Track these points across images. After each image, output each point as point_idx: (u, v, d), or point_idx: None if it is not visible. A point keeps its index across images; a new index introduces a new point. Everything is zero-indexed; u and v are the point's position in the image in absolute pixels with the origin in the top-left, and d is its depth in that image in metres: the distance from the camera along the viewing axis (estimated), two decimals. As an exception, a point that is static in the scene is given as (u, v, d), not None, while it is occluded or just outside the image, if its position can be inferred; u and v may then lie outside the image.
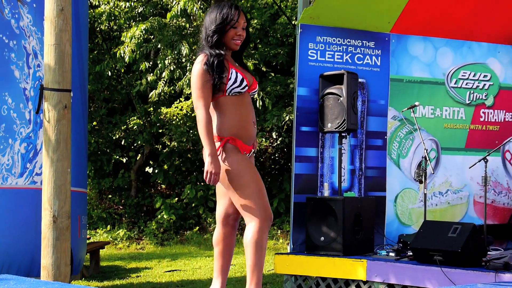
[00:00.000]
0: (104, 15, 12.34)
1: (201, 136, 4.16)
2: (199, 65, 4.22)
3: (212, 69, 4.17)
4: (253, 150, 4.34)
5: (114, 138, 13.20)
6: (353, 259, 6.74)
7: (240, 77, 4.21)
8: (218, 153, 4.16)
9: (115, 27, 13.26)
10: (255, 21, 12.65)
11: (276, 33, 12.70)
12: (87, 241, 8.36)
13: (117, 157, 13.39)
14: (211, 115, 4.23)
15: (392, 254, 7.02)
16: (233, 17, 4.23)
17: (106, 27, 13.24)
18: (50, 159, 4.97)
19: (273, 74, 12.42)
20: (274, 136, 12.73)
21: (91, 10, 12.37)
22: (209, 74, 4.17)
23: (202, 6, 11.61)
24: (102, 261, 9.62)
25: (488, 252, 6.81)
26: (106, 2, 12.54)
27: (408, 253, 6.82)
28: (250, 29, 12.89)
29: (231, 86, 4.19)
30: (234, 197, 4.23)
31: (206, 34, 4.37)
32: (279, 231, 12.04)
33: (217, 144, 4.19)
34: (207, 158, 4.11)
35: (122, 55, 11.31)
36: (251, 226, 4.21)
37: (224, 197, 4.45)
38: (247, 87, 4.24)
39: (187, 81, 11.43)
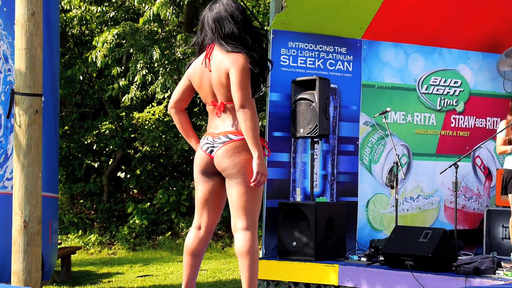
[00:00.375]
0: (75, 19, 12.26)
1: (253, 138, 4.04)
2: (247, 64, 4.07)
3: (254, 71, 4.10)
4: None
5: (86, 142, 13.11)
6: (325, 264, 6.77)
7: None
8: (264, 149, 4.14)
9: (86, 32, 13.19)
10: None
11: (249, 38, 12.68)
12: (58, 246, 8.28)
13: (89, 162, 13.29)
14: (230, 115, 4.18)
15: (363, 259, 7.06)
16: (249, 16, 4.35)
17: (78, 31, 13.15)
18: (21, 164, 4.91)
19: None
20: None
21: (63, 14, 12.28)
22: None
23: (174, 11, 11.57)
24: (74, 266, 9.54)
25: (459, 257, 6.88)
26: (77, 7, 12.45)
27: (380, 258, 6.87)
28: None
29: (262, 89, 4.21)
30: (243, 198, 4.14)
31: (251, 31, 4.19)
32: (251, 236, 12.06)
33: (242, 142, 4.13)
34: (257, 160, 4.02)
35: (94, 60, 11.24)
36: (247, 234, 4.20)
37: (217, 209, 4.39)
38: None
39: (160, 86, 11.38)
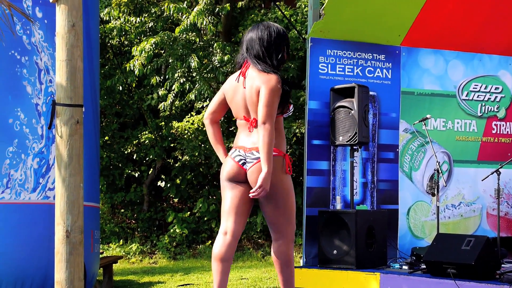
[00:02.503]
0: (115, 30, 12.37)
1: (266, 154, 4.27)
2: (278, 85, 4.35)
3: (283, 92, 4.39)
4: None
5: (126, 152, 13.20)
6: (366, 272, 6.74)
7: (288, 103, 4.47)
8: (286, 166, 4.42)
9: (126, 42, 13.30)
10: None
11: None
12: (100, 256, 8.35)
13: (129, 171, 13.38)
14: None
15: (405, 267, 7.01)
16: (287, 42, 4.53)
17: (117, 42, 13.28)
18: (62, 175, 4.97)
19: (284, 88, 12.41)
20: (285, 149, 12.69)
21: (102, 26, 12.43)
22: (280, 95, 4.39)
23: (212, 20, 11.64)
24: (115, 276, 9.60)
25: (502, 265, 6.79)
26: (117, 18, 12.58)
27: (422, 266, 6.80)
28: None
29: (290, 110, 4.48)
30: (279, 211, 4.45)
31: (273, 55, 4.48)
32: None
33: (279, 158, 4.40)
34: (264, 175, 4.25)
35: (132, 69, 11.34)
36: (285, 243, 4.51)
37: (244, 215, 4.55)
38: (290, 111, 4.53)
39: (196, 93, 11.44)
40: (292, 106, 4.50)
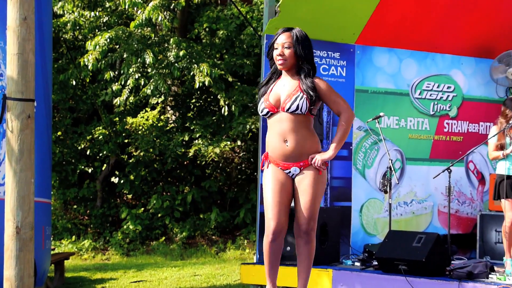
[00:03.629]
0: (68, 24, 12.20)
1: None
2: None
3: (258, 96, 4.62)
4: (294, 168, 4.43)
5: (79, 148, 13.04)
6: (319, 269, 6.74)
7: (261, 103, 4.48)
8: (261, 164, 4.60)
9: (80, 37, 13.13)
10: (221, 32, 12.62)
11: (243, 44, 12.69)
12: (52, 252, 8.23)
13: (83, 167, 13.21)
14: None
15: (357, 263, 7.05)
16: (274, 40, 4.49)
17: (71, 36, 13.10)
18: (13, 170, 4.89)
19: (239, 84, 12.44)
20: (239, 143, 12.71)
21: (55, 19, 12.24)
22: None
23: (168, 16, 11.56)
24: (67, 272, 9.48)
25: (452, 262, 6.89)
26: (70, 11, 12.40)
27: (374, 262, 6.86)
28: (216, 40, 12.83)
29: (259, 112, 4.52)
30: None
31: None
32: (245, 241, 12.01)
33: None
34: None
35: (86, 64, 11.19)
36: None
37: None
38: (266, 111, 4.45)
39: (151, 88, 11.36)
40: (284, 102, 4.43)
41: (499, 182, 6.85)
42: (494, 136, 6.93)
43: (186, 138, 12.52)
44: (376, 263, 6.71)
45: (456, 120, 8.49)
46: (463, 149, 8.13)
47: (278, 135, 4.40)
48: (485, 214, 8.11)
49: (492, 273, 6.28)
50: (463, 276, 6.13)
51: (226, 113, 11.71)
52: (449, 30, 8.20)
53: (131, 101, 12.66)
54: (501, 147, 6.87)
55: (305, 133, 4.41)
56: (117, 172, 13.11)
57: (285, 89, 4.44)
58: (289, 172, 4.44)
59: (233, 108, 11.73)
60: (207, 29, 13.01)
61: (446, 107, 8.46)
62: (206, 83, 11.14)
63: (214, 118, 12.82)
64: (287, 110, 4.37)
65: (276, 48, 4.45)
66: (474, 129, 8.58)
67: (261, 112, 4.46)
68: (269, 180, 4.44)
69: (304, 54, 4.44)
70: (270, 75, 4.57)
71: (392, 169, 7.17)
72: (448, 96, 8.47)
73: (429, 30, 8.15)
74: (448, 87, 8.46)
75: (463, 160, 8.31)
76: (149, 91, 11.30)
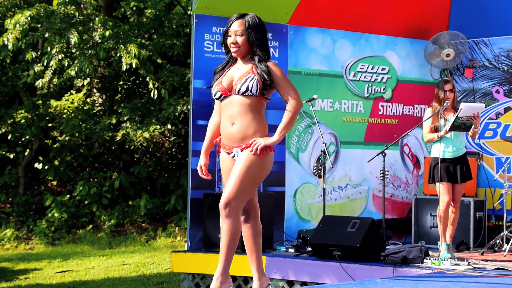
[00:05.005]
0: (-15, 1, 11.73)
1: None
2: None
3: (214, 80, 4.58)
4: (235, 150, 4.42)
5: (0, 132, 12.60)
6: (252, 256, 6.58)
7: (214, 88, 4.50)
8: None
9: (-2, 15, 12.65)
10: (149, 11, 12.34)
11: (172, 24, 12.45)
12: (-30, 243, 7.87)
13: (4, 153, 12.76)
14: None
15: (291, 250, 6.97)
16: (227, 27, 4.49)
17: (-12, 14, 12.60)
18: None
19: (169, 65, 12.18)
20: (169, 127, 12.49)
21: (-28, -3, 11.73)
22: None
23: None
24: (-13, 264, 9.14)
25: (387, 247, 6.87)
26: (-14, -12, 11.93)
27: (308, 248, 6.78)
28: (144, 19, 12.51)
29: (213, 96, 4.52)
30: None
31: None
32: (176, 229, 11.82)
33: None
34: None
35: (6, 43, 10.72)
36: None
37: None
38: (218, 94, 4.46)
39: (76, 70, 10.98)
40: (236, 84, 4.42)
41: (434, 165, 6.80)
42: (428, 118, 6.87)
43: (114, 121, 12.20)
44: (310, 249, 6.63)
45: (390, 103, 8.43)
46: (398, 132, 8.07)
47: (227, 118, 4.43)
48: (420, 198, 8.09)
49: (427, 257, 6.27)
50: (398, 261, 6.11)
51: (155, 96, 11.44)
52: (383, 10, 8.13)
53: (54, 83, 12.26)
54: (436, 129, 6.81)
55: (254, 116, 4.40)
56: (40, 158, 12.71)
57: (238, 72, 4.46)
58: (232, 155, 4.46)
59: (162, 91, 11.47)
60: (134, 8, 12.68)
61: (380, 89, 8.38)
62: (134, 65, 10.84)
63: (143, 100, 12.54)
64: (238, 91, 4.38)
65: (230, 36, 4.46)
66: (409, 111, 8.54)
67: (214, 96, 4.49)
68: (222, 168, 4.55)
69: (257, 40, 4.45)
70: (226, 61, 4.59)
71: (326, 153, 7.04)
72: (383, 78, 8.39)
73: (362, 11, 8.06)
74: (383, 69, 8.38)
75: (398, 143, 8.26)
76: (73, 73, 10.94)
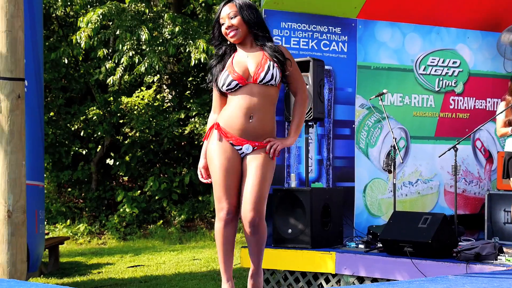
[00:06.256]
0: (59, 0, 11.97)
1: None
2: None
3: (211, 75, 4.20)
4: (246, 146, 4.01)
5: (72, 129, 12.85)
6: (322, 252, 6.59)
7: (225, 76, 4.05)
8: (206, 135, 4.17)
9: (71, 13, 12.90)
10: (218, 6, 12.39)
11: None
12: (46, 237, 8.07)
13: (76, 148, 13.03)
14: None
15: (361, 246, 6.92)
16: (216, 17, 4.16)
17: (62, 13, 12.84)
18: (3, 151, 4.92)
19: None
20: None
21: (46, -5, 12.01)
22: (210, 81, 4.22)
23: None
24: (62, 257, 9.34)
25: (459, 243, 6.76)
26: (62, -13, 12.18)
27: (378, 244, 6.72)
28: (213, 15, 12.58)
29: (221, 87, 4.09)
30: None
31: None
32: (245, 223, 11.87)
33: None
34: None
35: (79, 42, 10.94)
36: None
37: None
38: (234, 84, 4.01)
39: (146, 66, 11.11)
40: (255, 73, 3.99)
41: (508, 159, 6.66)
42: (502, 112, 6.73)
43: (182, 116, 12.33)
44: (381, 245, 6.56)
45: (462, 97, 8.29)
46: (470, 126, 7.91)
47: (244, 109, 3.98)
48: (493, 193, 7.92)
49: (501, 254, 6.15)
50: (471, 257, 6.00)
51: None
52: (454, 2, 7.98)
53: (125, 80, 12.46)
54: (510, 123, 6.68)
55: (272, 111, 4.08)
56: (112, 154, 12.94)
57: (251, 59, 4.05)
58: (240, 149, 4.03)
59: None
60: (203, 4, 12.77)
61: (451, 83, 8.25)
62: (202, 59, 10.92)
63: (211, 96, 12.63)
64: (261, 80, 3.99)
65: (223, 23, 4.09)
66: (481, 105, 8.38)
67: (228, 85, 4.02)
68: (218, 156, 4.02)
69: (254, 18, 4.07)
70: (221, 54, 4.16)
71: (396, 148, 6.97)
72: (454, 71, 8.25)
73: (433, 3, 7.93)
74: (454, 62, 8.24)
75: (470, 138, 8.11)
76: (143, 69, 11.07)
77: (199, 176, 4.21)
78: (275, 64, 4.00)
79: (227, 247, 4.08)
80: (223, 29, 4.09)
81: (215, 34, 4.18)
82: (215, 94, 4.19)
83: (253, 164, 4.00)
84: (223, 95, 4.14)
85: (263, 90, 4.00)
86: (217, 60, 4.16)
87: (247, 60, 4.05)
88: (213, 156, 4.05)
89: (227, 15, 4.06)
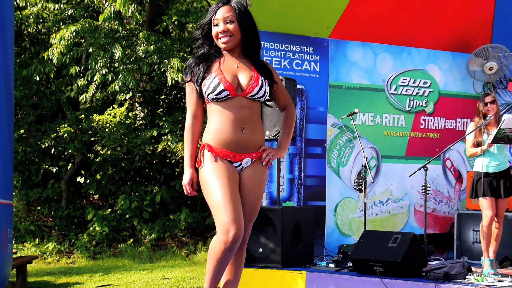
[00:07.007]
0: (31, 17, 11.87)
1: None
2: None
3: (190, 74, 3.92)
4: (246, 160, 3.86)
5: (43, 146, 12.70)
6: (292, 271, 6.57)
7: (215, 82, 3.79)
8: (198, 160, 3.92)
9: (43, 30, 12.81)
10: (191, 25, 12.41)
11: (212, 38, 12.50)
12: (14, 256, 7.94)
13: (47, 166, 12.88)
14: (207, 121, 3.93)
15: (332, 265, 6.90)
16: (210, 16, 3.88)
17: (34, 30, 12.75)
18: None
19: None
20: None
21: (18, 12, 11.90)
22: (189, 80, 3.92)
23: (136, 9, 11.26)
24: (30, 277, 9.18)
25: (429, 262, 6.78)
26: (34, 4, 12.08)
27: (348, 264, 6.70)
28: (186, 34, 12.59)
29: (205, 92, 3.82)
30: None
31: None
32: (216, 242, 11.80)
33: (199, 151, 3.94)
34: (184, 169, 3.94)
35: (51, 58, 10.85)
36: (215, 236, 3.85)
37: None
38: (225, 94, 3.78)
39: (119, 84, 11.05)
40: (248, 87, 3.81)
41: (477, 180, 6.70)
42: (471, 132, 6.78)
43: (155, 133, 12.26)
44: (351, 264, 6.55)
45: (432, 117, 8.35)
46: (440, 146, 7.98)
47: (235, 121, 3.78)
48: (462, 213, 7.97)
49: (470, 273, 6.18)
50: (440, 277, 6.01)
51: (199, 110, 11.46)
52: (425, 24, 8.06)
53: (97, 97, 12.38)
54: (478, 144, 6.72)
55: (260, 122, 3.92)
56: (83, 172, 12.81)
57: (242, 71, 3.86)
58: (239, 165, 3.86)
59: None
60: (176, 22, 12.76)
61: (422, 103, 8.31)
62: (179, 79, 10.89)
63: (184, 114, 12.59)
64: (253, 95, 3.82)
65: (216, 25, 3.83)
66: (451, 125, 8.45)
67: (217, 94, 3.77)
68: (219, 176, 3.78)
69: (251, 27, 3.87)
70: (206, 55, 3.91)
71: (367, 167, 6.98)
72: (425, 91, 8.31)
73: (404, 24, 8.00)
74: (424, 83, 8.30)
75: (440, 158, 8.17)
76: (117, 87, 11.00)
77: (186, 190, 3.94)
78: (266, 81, 3.87)
79: (221, 270, 3.83)
80: (214, 31, 3.85)
81: (203, 32, 3.91)
82: (193, 96, 3.91)
83: (253, 180, 3.88)
84: (201, 98, 3.90)
85: (250, 104, 3.83)
86: (200, 59, 3.90)
87: (237, 71, 3.86)
88: (212, 178, 3.82)
89: (223, 18, 3.82)
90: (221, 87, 3.77)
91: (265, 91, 3.85)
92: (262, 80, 3.84)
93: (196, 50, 3.96)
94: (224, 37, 3.82)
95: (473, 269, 6.39)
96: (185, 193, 3.94)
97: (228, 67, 3.86)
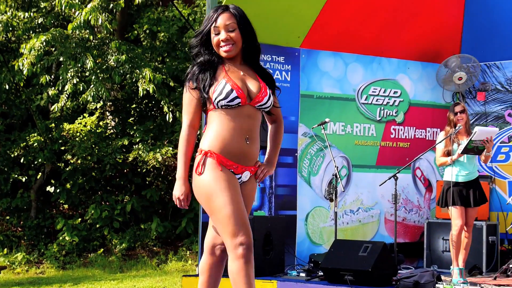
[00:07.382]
0: (1, 25, 11.75)
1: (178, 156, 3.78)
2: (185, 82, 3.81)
3: (195, 81, 3.71)
4: (246, 174, 3.72)
5: (12, 156, 12.55)
6: (263, 280, 6.55)
7: (227, 89, 3.63)
8: (197, 166, 3.69)
9: (13, 39, 12.68)
10: (162, 34, 12.37)
11: (184, 47, 12.47)
12: (-20, 266, 7.82)
13: (16, 176, 12.72)
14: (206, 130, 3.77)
15: (302, 274, 6.93)
16: (210, 23, 3.74)
17: (4, 38, 12.62)
18: None
19: (181, 88, 12.19)
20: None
21: (-13, 20, 11.80)
22: (195, 87, 3.71)
23: (106, 18, 11.19)
24: (-2, 287, 9.08)
25: (399, 271, 6.80)
26: (3, 12, 11.96)
27: (319, 273, 6.73)
28: (157, 43, 12.54)
29: (216, 98, 3.63)
30: (211, 220, 3.73)
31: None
32: (188, 252, 11.73)
33: (198, 157, 3.71)
34: (176, 181, 3.71)
35: (21, 68, 10.74)
36: (229, 257, 3.68)
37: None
38: (237, 101, 3.63)
39: (91, 94, 10.96)
40: (257, 96, 3.68)
41: (447, 189, 6.75)
42: (441, 141, 6.83)
43: (126, 142, 12.18)
44: (322, 273, 6.57)
45: (402, 126, 8.40)
46: (410, 155, 8.02)
47: (240, 130, 3.64)
48: (432, 222, 8.01)
49: (439, 282, 6.24)
50: (410, 285, 6.06)
51: (170, 120, 11.43)
52: (395, 34, 8.12)
53: (68, 106, 12.27)
54: (448, 153, 6.77)
55: (259, 133, 3.76)
56: (53, 181, 12.67)
57: (249, 80, 3.72)
58: (240, 177, 3.70)
59: (177, 114, 11.46)
60: (147, 31, 12.72)
61: (392, 113, 8.35)
62: (151, 90, 10.84)
63: (155, 123, 12.53)
64: (261, 105, 3.69)
65: (217, 33, 3.69)
66: (421, 135, 8.51)
67: (230, 101, 3.62)
68: (226, 187, 3.59)
69: (251, 33, 3.77)
70: (210, 62, 3.73)
71: (338, 176, 6.99)
72: (395, 101, 8.36)
73: (374, 34, 8.05)
74: (395, 92, 8.36)
75: (410, 167, 8.22)
76: (90, 98, 10.91)
77: (179, 203, 3.70)
78: (270, 91, 3.76)
79: (251, 282, 3.67)
80: (216, 39, 3.70)
81: (201, 41, 3.75)
82: (193, 104, 3.72)
83: (249, 196, 3.79)
84: (202, 106, 3.73)
85: (256, 113, 3.71)
86: (204, 66, 3.72)
87: (245, 78, 3.73)
88: (217, 191, 3.60)
89: (225, 26, 3.68)
90: (234, 94, 3.63)
91: (272, 101, 3.75)
92: (269, 90, 3.75)
93: (193, 58, 3.81)
94: (226, 46, 3.69)
95: (442, 277, 6.46)
96: (178, 206, 3.72)
97: (236, 74, 3.73)
